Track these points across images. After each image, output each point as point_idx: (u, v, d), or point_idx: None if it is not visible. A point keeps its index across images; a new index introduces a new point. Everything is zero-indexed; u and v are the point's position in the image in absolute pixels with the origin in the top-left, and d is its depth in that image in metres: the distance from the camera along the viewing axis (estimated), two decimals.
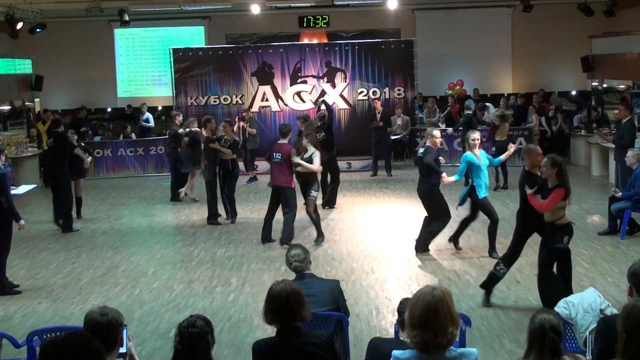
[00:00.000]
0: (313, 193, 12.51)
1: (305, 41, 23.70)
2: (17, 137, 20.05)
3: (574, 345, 6.41)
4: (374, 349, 4.84)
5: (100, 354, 3.44)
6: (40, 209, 16.62)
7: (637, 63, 18.16)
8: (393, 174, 19.72)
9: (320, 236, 12.68)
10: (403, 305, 4.99)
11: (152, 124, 22.47)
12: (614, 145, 15.71)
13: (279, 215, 12.54)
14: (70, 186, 14.60)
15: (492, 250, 11.39)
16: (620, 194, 12.46)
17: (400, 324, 4.94)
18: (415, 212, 14.94)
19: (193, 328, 4.52)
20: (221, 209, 14.72)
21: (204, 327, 4.56)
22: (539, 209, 8.63)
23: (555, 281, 8.66)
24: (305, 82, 21.68)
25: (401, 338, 4.96)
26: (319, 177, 13.68)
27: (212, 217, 14.52)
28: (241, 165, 17.15)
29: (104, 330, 4.39)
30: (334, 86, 21.58)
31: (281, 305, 4.92)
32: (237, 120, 19.27)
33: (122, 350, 4.70)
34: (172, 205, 16.63)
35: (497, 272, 9.23)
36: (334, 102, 21.28)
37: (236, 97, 21.67)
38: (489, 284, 9.32)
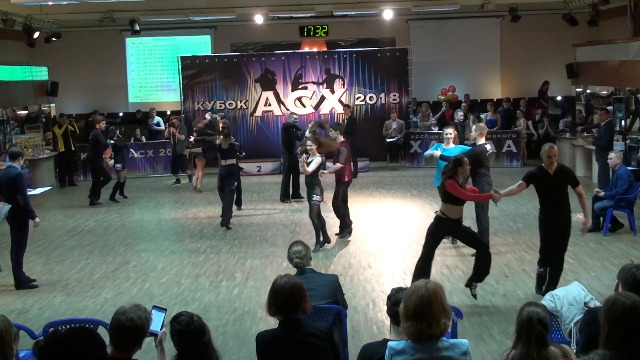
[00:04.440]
0: (315, 197, 11.77)
1: (306, 49, 23.68)
2: (34, 140, 20.06)
3: (559, 336, 6.40)
4: (365, 353, 4.72)
5: (101, 348, 3.42)
6: (56, 208, 16.63)
7: (619, 70, 18.15)
8: (389, 174, 19.81)
9: (317, 243, 11.87)
10: (392, 294, 4.90)
11: (162, 127, 22.47)
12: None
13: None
14: (102, 171, 16.81)
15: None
16: (602, 193, 12.46)
17: (391, 316, 4.83)
18: (409, 211, 14.97)
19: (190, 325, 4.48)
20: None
21: (197, 322, 4.51)
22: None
23: None
24: (305, 88, 21.69)
25: (387, 337, 4.83)
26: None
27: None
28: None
29: (126, 333, 4.33)
30: (332, 92, 21.60)
31: (285, 298, 4.90)
32: (167, 126, 19.49)
33: (157, 331, 4.71)
34: (179, 204, 16.62)
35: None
36: (332, 107, 21.41)
37: (241, 102, 21.71)
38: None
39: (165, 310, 4.88)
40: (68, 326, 6.05)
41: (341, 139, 12.48)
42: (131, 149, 18.62)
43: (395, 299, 4.71)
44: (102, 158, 16.79)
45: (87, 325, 6.06)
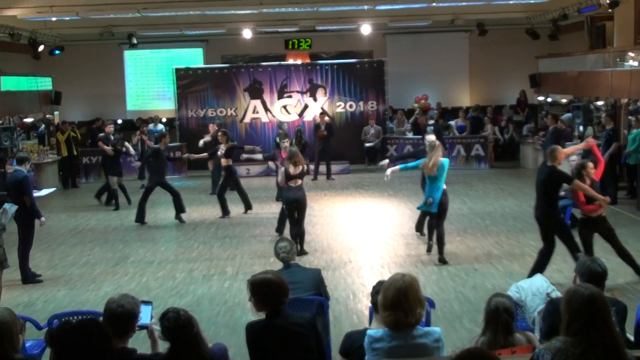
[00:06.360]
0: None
1: (291, 61, 23.67)
2: (38, 145, 19.93)
3: (524, 325, 6.41)
4: (348, 340, 4.72)
5: (108, 338, 3.40)
6: (60, 209, 16.51)
7: (577, 80, 18.31)
8: (367, 176, 19.80)
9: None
10: (377, 285, 4.91)
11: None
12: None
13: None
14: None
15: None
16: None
17: (374, 305, 4.87)
18: (386, 209, 14.99)
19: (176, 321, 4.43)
20: (215, 207, 14.78)
21: (184, 317, 4.46)
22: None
23: None
24: (290, 96, 21.68)
25: (369, 327, 4.84)
26: None
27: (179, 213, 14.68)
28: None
29: (119, 319, 4.30)
30: (315, 100, 21.61)
31: (271, 290, 4.78)
32: (137, 133, 19.34)
33: (147, 323, 4.66)
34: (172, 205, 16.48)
35: None
36: (315, 114, 21.42)
37: (230, 109, 21.67)
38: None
39: (151, 302, 4.79)
40: (73, 317, 6.01)
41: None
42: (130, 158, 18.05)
43: (379, 288, 4.73)
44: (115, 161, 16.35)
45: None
